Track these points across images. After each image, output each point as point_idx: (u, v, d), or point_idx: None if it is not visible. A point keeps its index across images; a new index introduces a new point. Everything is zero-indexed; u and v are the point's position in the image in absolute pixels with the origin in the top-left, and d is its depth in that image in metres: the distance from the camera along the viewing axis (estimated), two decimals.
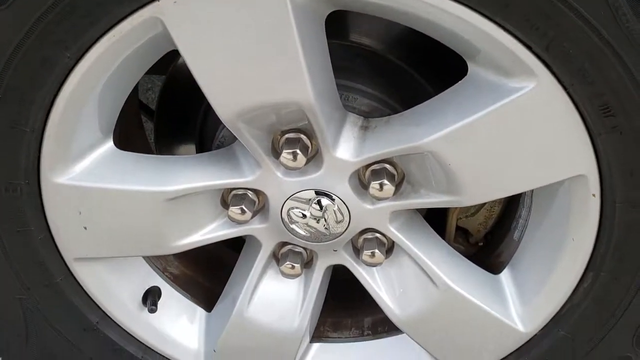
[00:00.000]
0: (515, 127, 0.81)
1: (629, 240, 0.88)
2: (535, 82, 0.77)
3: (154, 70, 0.97)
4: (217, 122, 1.09)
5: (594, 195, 0.86)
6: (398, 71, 1.00)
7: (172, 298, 1.16)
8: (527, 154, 0.84)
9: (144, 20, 0.77)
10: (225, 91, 0.84)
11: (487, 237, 1.17)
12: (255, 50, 0.78)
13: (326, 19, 0.84)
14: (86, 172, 0.94)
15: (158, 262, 1.15)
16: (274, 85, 0.82)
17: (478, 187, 0.89)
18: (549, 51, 0.73)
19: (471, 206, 1.12)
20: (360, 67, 1.00)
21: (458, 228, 1.15)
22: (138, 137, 1.21)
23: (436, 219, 1.13)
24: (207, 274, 1.22)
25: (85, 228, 0.98)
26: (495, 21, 0.72)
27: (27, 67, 0.80)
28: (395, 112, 0.99)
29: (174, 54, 0.89)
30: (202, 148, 1.15)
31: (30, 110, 0.84)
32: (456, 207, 1.11)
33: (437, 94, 0.91)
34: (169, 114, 1.16)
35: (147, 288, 1.13)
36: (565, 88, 0.76)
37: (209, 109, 1.13)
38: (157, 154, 1.19)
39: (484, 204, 1.11)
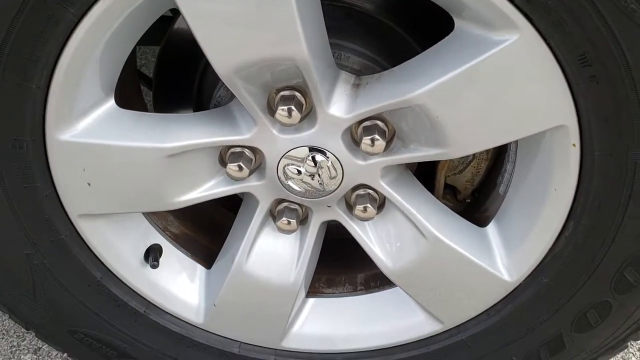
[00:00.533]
0: (498, 78, 0.86)
1: (607, 188, 0.92)
2: (518, 35, 0.81)
3: (149, 40, 1.01)
4: (214, 83, 1.12)
5: (574, 145, 0.90)
6: (388, 31, 1.03)
7: (172, 256, 1.20)
8: (511, 104, 0.88)
9: None
10: (223, 47, 0.87)
11: (474, 194, 1.22)
12: (252, 8, 0.82)
13: None
14: (89, 130, 0.97)
15: (159, 222, 1.19)
16: (270, 41, 0.86)
17: (465, 138, 0.93)
18: (530, 3, 0.77)
19: (459, 164, 1.17)
20: (352, 27, 1.03)
21: (446, 186, 1.19)
22: (137, 102, 1.25)
23: (425, 177, 1.18)
24: (206, 233, 1.27)
25: (89, 184, 1.01)
26: None
27: (32, 24, 0.83)
28: (386, 69, 1.03)
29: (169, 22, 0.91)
30: (199, 110, 1.18)
31: (36, 68, 0.87)
32: (444, 165, 1.15)
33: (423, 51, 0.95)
34: (166, 78, 1.19)
35: (148, 246, 1.17)
36: (545, 40, 0.80)
37: (205, 71, 1.17)
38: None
39: (471, 161, 1.16)
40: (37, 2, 0.81)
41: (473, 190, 1.20)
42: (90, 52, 0.89)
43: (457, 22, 0.88)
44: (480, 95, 0.88)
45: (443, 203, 1.17)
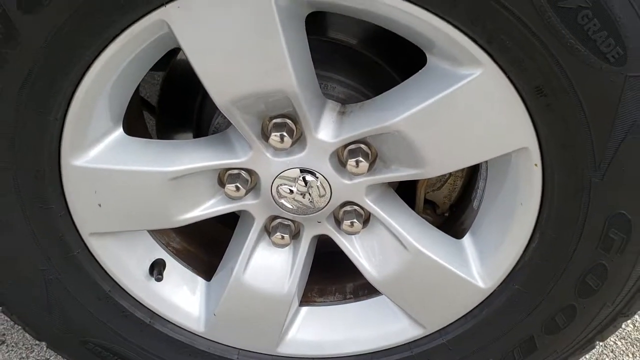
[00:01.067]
0: (466, 107, 0.96)
1: (567, 204, 1.03)
2: (482, 70, 0.92)
3: (154, 67, 1.11)
4: (212, 111, 1.23)
5: (536, 165, 1.01)
6: (370, 63, 1.14)
7: (175, 270, 1.30)
8: (478, 130, 0.98)
9: (152, 23, 0.90)
10: (220, 82, 0.98)
11: (451, 208, 1.33)
12: (246, 47, 0.92)
13: (306, 18, 0.98)
14: (100, 156, 1.07)
15: (162, 238, 1.29)
16: (263, 77, 0.96)
17: (439, 160, 1.04)
18: (490, 44, 0.87)
19: (437, 181, 1.27)
20: (337, 59, 1.14)
21: (426, 201, 1.30)
22: (139, 126, 1.35)
23: (407, 194, 1.28)
24: (205, 248, 1.36)
25: (100, 205, 1.11)
26: (446, 19, 0.87)
27: (54, 62, 0.93)
28: (368, 98, 1.14)
29: (173, 51, 1.01)
30: (199, 135, 1.29)
31: (55, 101, 0.97)
32: (424, 182, 1.26)
33: (402, 80, 1.05)
34: (168, 105, 1.29)
35: (153, 260, 1.26)
36: (506, 74, 0.91)
37: (204, 100, 1.27)
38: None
39: (448, 179, 1.27)
40: (59, 43, 0.91)
41: (450, 205, 1.30)
42: (102, 88, 1.00)
43: (429, 58, 0.98)
44: (451, 122, 0.98)
45: (423, 217, 1.27)
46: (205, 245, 1.37)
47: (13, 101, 0.95)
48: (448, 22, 0.87)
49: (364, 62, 1.14)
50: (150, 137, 1.42)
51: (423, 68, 1.00)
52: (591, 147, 0.94)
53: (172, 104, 1.29)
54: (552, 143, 0.96)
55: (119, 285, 1.23)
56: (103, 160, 1.08)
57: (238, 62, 0.94)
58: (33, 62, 0.91)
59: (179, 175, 1.10)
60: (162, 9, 0.88)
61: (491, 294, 1.18)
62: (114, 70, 0.98)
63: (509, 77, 0.92)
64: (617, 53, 0.84)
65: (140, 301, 1.25)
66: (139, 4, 0.87)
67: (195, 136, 1.29)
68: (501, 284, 1.16)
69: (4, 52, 0.90)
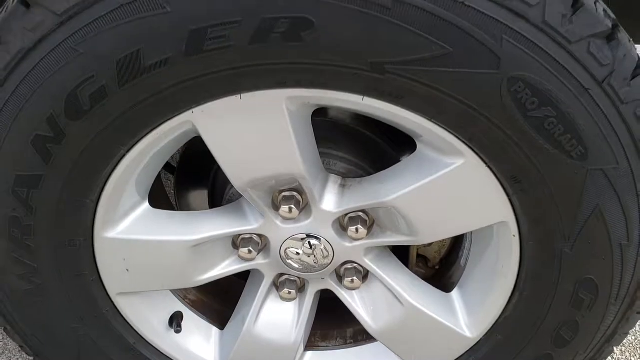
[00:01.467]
0: (452, 189, 1.10)
1: (542, 268, 1.17)
2: (464, 160, 1.05)
3: None
4: (226, 181, 1.36)
5: (514, 235, 1.15)
6: (369, 141, 1.28)
7: (191, 320, 1.43)
8: (463, 208, 1.13)
9: (180, 122, 1.04)
10: (238, 169, 1.11)
11: (442, 261, 1.47)
12: (262, 144, 1.06)
13: None
14: (129, 228, 1.20)
15: (180, 292, 1.42)
16: (275, 165, 1.10)
17: (429, 231, 1.18)
18: (472, 141, 1.01)
19: None
20: (339, 138, 1.28)
21: (418, 255, 1.44)
22: (159, 190, 1.48)
23: (401, 248, 1.42)
24: (218, 298, 1.49)
25: (128, 270, 1.25)
26: (433, 122, 1.01)
27: (93, 157, 1.06)
28: (366, 172, 1.28)
29: None
30: (213, 199, 1.42)
31: (91, 187, 1.11)
32: None
33: (398, 156, 1.19)
34: (187, 174, 1.43)
35: (172, 313, 1.40)
36: (485, 163, 1.05)
37: (218, 171, 1.40)
38: (176, 203, 1.46)
39: None
40: (101, 141, 1.04)
41: (440, 259, 1.45)
42: (133, 173, 1.13)
43: (418, 145, 1.12)
44: (439, 200, 1.12)
45: (416, 270, 1.42)
46: (218, 295, 1.50)
47: (56, 188, 1.08)
48: (435, 123, 1.01)
49: (363, 140, 1.28)
50: (166, 195, 1.56)
51: (414, 152, 1.14)
52: (561, 224, 1.08)
53: (190, 173, 1.42)
54: (527, 219, 1.11)
55: (143, 338, 1.36)
56: (131, 232, 1.21)
57: (254, 155, 1.08)
58: (76, 158, 1.05)
59: (199, 243, 1.23)
60: (189, 112, 1.02)
61: (477, 342, 1.31)
62: (144, 158, 1.11)
63: (488, 166, 1.06)
64: (579, 151, 0.99)
65: (162, 351, 1.38)
66: (170, 109, 1.01)
67: (210, 199, 1.42)
68: (486, 334, 1.30)
69: (51, 149, 1.03)
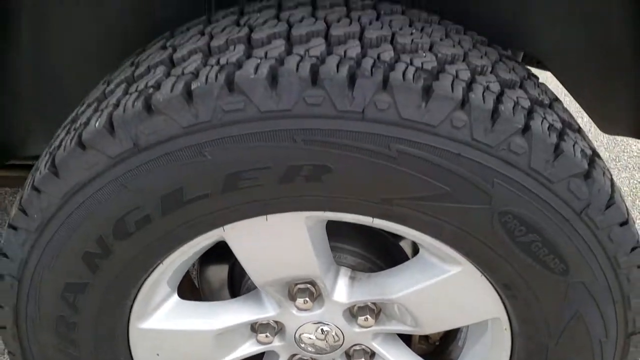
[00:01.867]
0: (451, 291, 1.25)
1: (530, 358, 1.31)
2: (461, 267, 1.20)
3: None
4: (244, 272, 1.50)
5: (505, 329, 1.29)
6: (376, 235, 1.43)
7: None
8: (460, 305, 1.27)
9: (212, 236, 1.19)
10: (261, 272, 1.26)
11: (442, 338, 1.61)
12: (284, 253, 1.21)
13: None
14: (160, 318, 1.34)
15: None
16: (295, 269, 1.25)
17: (431, 323, 1.32)
18: (468, 255, 1.16)
19: None
20: (348, 232, 1.43)
21: None
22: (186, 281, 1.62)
23: None
24: None
25: (158, 354, 1.38)
26: (434, 238, 1.16)
27: (134, 268, 1.20)
28: (373, 263, 1.42)
29: None
30: (232, 286, 1.56)
31: (130, 290, 1.25)
32: None
33: (404, 251, 1.34)
34: (209, 266, 1.56)
35: None
36: (481, 272, 1.20)
37: (235, 262, 1.54)
38: (200, 291, 1.60)
39: None
40: (140, 257, 1.18)
41: (440, 337, 1.59)
42: (165, 276, 1.27)
43: (421, 249, 1.27)
44: (438, 300, 1.26)
45: (418, 346, 1.56)
46: None
47: (100, 292, 1.22)
48: (437, 239, 1.16)
49: (371, 234, 1.42)
50: (190, 278, 1.70)
51: (417, 255, 1.28)
52: (546, 324, 1.23)
53: (212, 264, 1.55)
54: (517, 318, 1.25)
55: None
56: (162, 323, 1.34)
57: (276, 262, 1.23)
58: (119, 269, 1.19)
59: (222, 332, 1.37)
60: (221, 229, 1.16)
61: None
62: (177, 263, 1.26)
63: (483, 274, 1.20)
64: (561, 268, 1.13)
65: None
66: (205, 229, 1.15)
67: (229, 286, 1.56)
68: None
69: (99, 263, 1.17)
